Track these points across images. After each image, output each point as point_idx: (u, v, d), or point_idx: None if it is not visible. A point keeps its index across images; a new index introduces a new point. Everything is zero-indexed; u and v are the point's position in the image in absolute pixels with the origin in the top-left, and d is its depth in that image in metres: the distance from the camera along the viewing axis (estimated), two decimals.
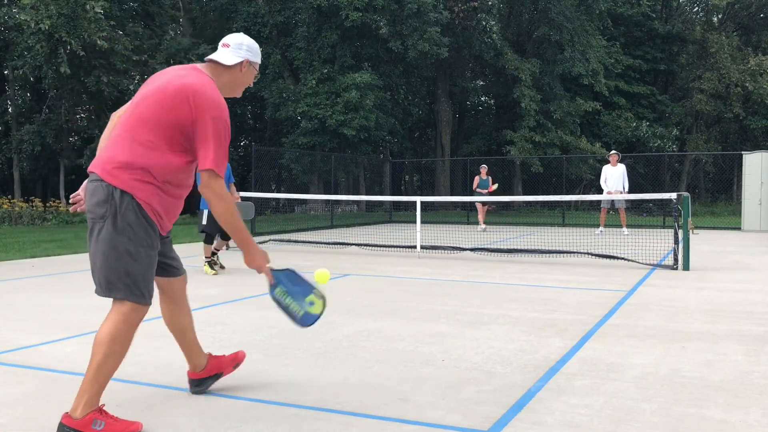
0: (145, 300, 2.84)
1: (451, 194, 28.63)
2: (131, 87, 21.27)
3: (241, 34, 3.13)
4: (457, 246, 10.84)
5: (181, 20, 26.66)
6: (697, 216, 20.69)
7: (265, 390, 3.51)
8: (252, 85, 3.24)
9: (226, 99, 2.99)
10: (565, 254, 9.82)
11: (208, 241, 8.32)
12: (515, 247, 10.78)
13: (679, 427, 2.97)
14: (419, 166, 35.18)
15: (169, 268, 3.14)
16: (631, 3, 31.73)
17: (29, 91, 25.91)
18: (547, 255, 9.99)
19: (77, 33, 18.49)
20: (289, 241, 12.56)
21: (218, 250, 8.58)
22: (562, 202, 20.25)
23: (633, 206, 22.93)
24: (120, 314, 2.80)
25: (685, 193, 8.73)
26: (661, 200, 16.41)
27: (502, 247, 10.95)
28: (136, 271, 2.78)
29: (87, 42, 18.75)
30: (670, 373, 3.82)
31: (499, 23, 26.82)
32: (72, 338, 4.71)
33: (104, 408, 2.86)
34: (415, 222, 11.82)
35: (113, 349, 2.79)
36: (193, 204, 28.66)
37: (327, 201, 20.82)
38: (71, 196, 3.11)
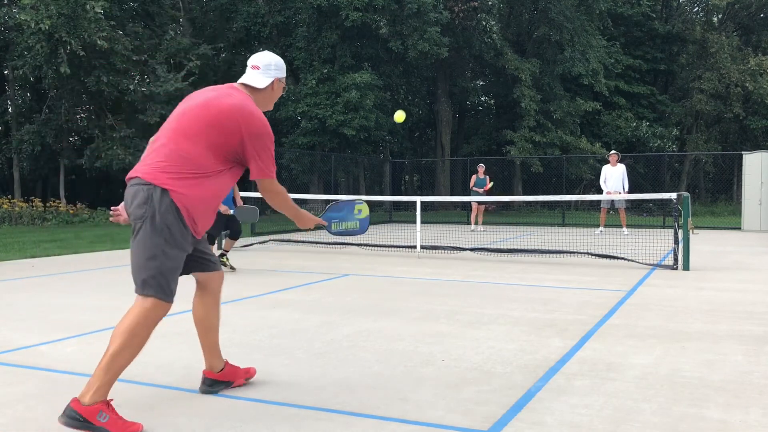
0: (169, 298, 2.99)
1: (451, 194, 28.62)
2: (131, 87, 21.26)
3: (267, 53, 3.30)
4: (457, 246, 10.84)
5: (181, 20, 26.66)
6: (697, 216, 20.69)
7: (265, 390, 3.51)
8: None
9: None
10: (565, 254, 9.82)
11: (211, 241, 8.37)
12: (515, 247, 10.78)
13: (679, 427, 2.97)
14: (419, 166, 35.19)
15: (207, 262, 3.32)
16: (631, 3, 31.74)
17: (29, 91, 25.89)
18: (547, 255, 9.99)
19: (77, 33, 18.49)
20: (289, 241, 12.56)
21: (227, 251, 8.60)
22: (562, 202, 20.25)
23: (633, 206, 22.93)
24: (143, 309, 2.92)
25: (685, 193, 8.73)
26: (661, 200, 16.42)
27: (502, 247, 10.95)
28: (168, 271, 2.94)
29: (87, 42, 18.74)
30: (670, 373, 3.82)
31: (499, 23, 26.83)
32: (72, 338, 4.72)
33: (112, 403, 2.90)
34: (415, 222, 11.82)
35: (130, 342, 2.88)
36: None
37: (327, 201, 20.82)
38: (112, 208, 3.29)
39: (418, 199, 10.79)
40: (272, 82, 3.25)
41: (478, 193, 15.73)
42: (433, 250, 10.68)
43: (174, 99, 21.36)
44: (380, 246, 11.01)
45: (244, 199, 11.05)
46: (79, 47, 18.52)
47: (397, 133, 30.41)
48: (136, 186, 2.93)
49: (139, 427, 2.89)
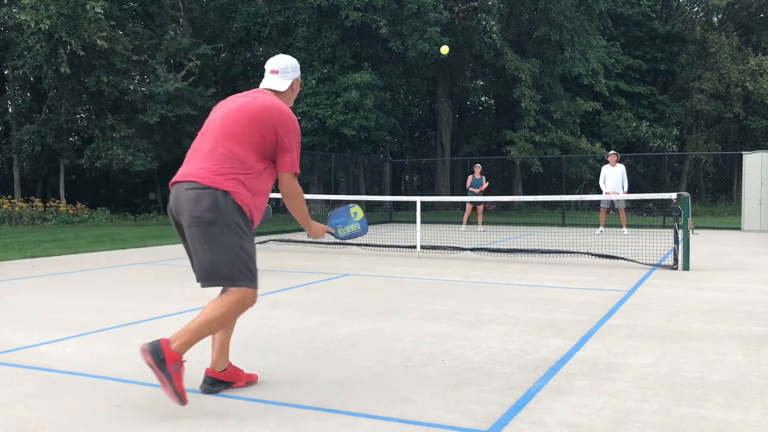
0: (257, 283, 3.27)
1: (451, 194, 28.62)
2: (131, 87, 21.26)
3: (281, 57, 3.54)
4: (457, 246, 10.84)
5: (181, 20, 26.65)
6: (697, 216, 20.69)
7: (265, 390, 3.52)
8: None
9: None
10: (565, 254, 9.82)
11: None
12: (515, 247, 10.78)
13: (679, 427, 2.97)
14: (419, 166, 35.19)
15: None
16: (631, 3, 31.73)
17: (29, 91, 25.88)
18: (547, 255, 9.99)
19: (77, 33, 18.48)
20: (289, 241, 12.56)
21: None
22: (562, 202, 20.26)
23: (633, 206, 22.94)
24: (239, 295, 3.19)
25: (685, 193, 8.73)
26: (661, 200, 16.42)
27: (502, 247, 10.95)
28: (250, 261, 3.21)
29: (87, 42, 18.73)
30: (670, 373, 3.82)
31: (499, 23, 26.82)
32: (72, 338, 4.72)
33: (185, 363, 3.11)
34: (415, 222, 11.82)
35: (223, 318, 3.17)
36: None
37: (327, 201, 20.81)
38: None
39: (418, 199, 10.79)
40: (291, 84, 3.52)
41: (474, 194, 15.73)
42: (433, 250, 10.68)
43: (174, 99, 21.38)
44: (380, 246, 11.01)
45: None
46: (79, 47, 18.52)
47: (397, 133, 30.40)
48: (196, 190, 3.12)
49: (185, 400, 3.06)
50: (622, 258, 9.32)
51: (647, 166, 26.56)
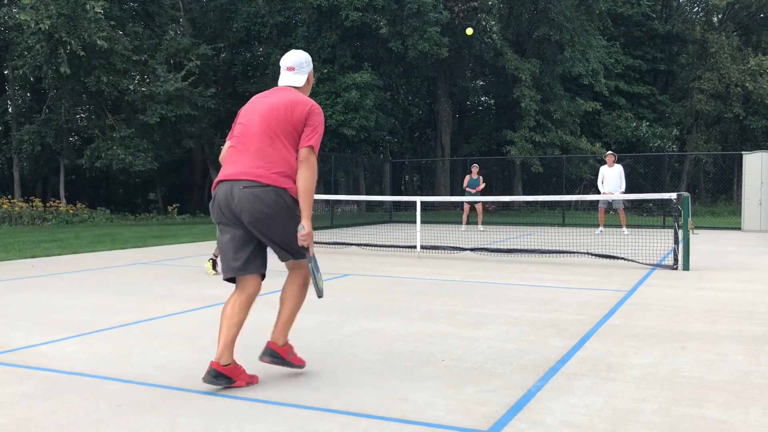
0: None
1: (451, 194, 28.60)
2: (131, 87, 21.25)
3: (295, 53, 3.84)
4: (457, 246, 10.84)
5: (181, 20, 26.66)
6: (697, 216, 20.68)
7: (265, 390, 3.52)
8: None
9: None
10: (565, 254, 9.82)
11: None
12: (515, 247, 10.78)
13: (679, 427, 2.97)
14: (419, 166, 35.19)
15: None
16: (631, 3, 31.72)
17: (29, 91, 25.89)
18: (547, 255, 9.99)
19: (77, 33, 18.48)
20: None
21: (217, 256, 8.56)
22: (562, 202, 20.25)
23: (633, 206, 22.93)
24: (304, 267, 3.71)
25: (685, 193, 8.73)
26: (661, 200, 16.42)
27: (502, 247, 10.95)
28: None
29: (87, 42, 18.73)
30: (670, 373, 3.82)
31: (499, 23, 26.80)
32: (72, 338, 4.72)
33: (291, 343, 3.80)
34: (415, 222, 11.82)
35: (302, 293, 3.75)
36: (192, 204, 28.69)
37: (327, 201, 20.81)
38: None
39: (418, 199, 10.79)
40: (308, 77, 3.86)
41: (470, 194, 15.73)
42: (433, 250, 10.68)
43: (174, 99, 21.38)
44: (380, 246, 11.01)
45: None
46: (79, 47, 18.52)
47: (397, 133, 30.40)
48: (258, 188, 3.49)
49: (304, 363, 3.81)
50: (622, 258, 9.32)
51: (647, 166, 26.55)
